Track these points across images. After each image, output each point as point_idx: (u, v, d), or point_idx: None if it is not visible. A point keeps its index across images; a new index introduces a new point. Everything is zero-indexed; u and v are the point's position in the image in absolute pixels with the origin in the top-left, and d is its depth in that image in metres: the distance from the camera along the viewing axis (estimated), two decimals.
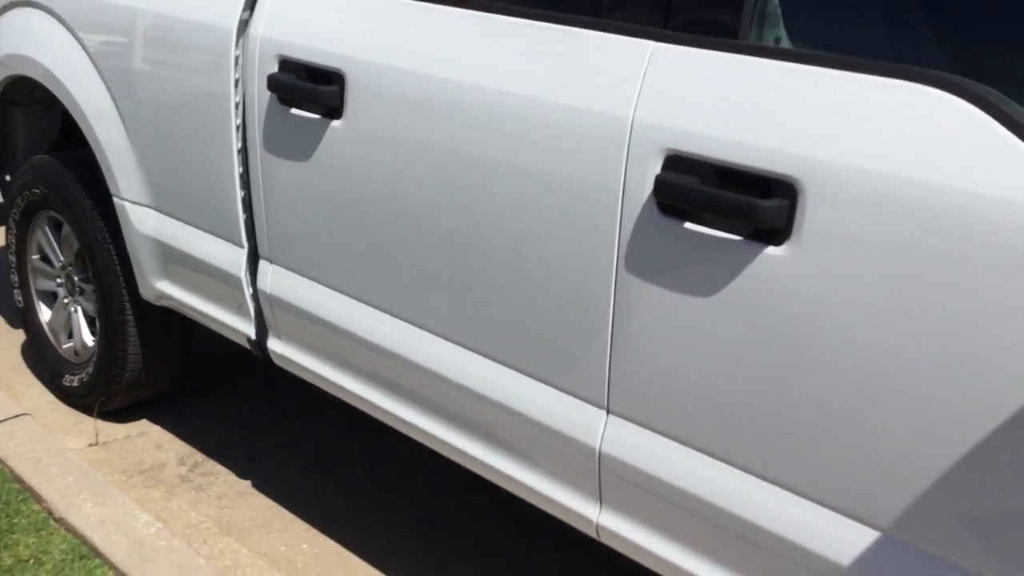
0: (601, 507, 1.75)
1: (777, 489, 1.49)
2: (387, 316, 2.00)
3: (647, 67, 1.54)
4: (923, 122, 1.28)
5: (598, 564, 2.36)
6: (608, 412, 1.68)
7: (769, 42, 1.51)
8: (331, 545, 2.47)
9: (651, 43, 1.54)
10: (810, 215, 1.36)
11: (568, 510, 1.80)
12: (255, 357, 2.44)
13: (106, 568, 2.23)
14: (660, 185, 1.50)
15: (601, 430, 1.70)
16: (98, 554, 2.24)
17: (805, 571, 1.48)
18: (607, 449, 1.69)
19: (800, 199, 1.37)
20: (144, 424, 2.95)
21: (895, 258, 1.29)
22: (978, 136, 1.23)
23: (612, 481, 1.71)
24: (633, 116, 1.53)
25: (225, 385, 3.18)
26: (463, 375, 1.88)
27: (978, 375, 1.25)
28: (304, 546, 2.46)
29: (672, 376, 1.57)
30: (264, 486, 2.69)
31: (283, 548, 2.45)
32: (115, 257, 2.69)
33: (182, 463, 2.77)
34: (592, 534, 1.80)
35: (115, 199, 2.57)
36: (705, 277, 1.49)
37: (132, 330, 2.76)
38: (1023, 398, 1.21)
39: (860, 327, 1.34)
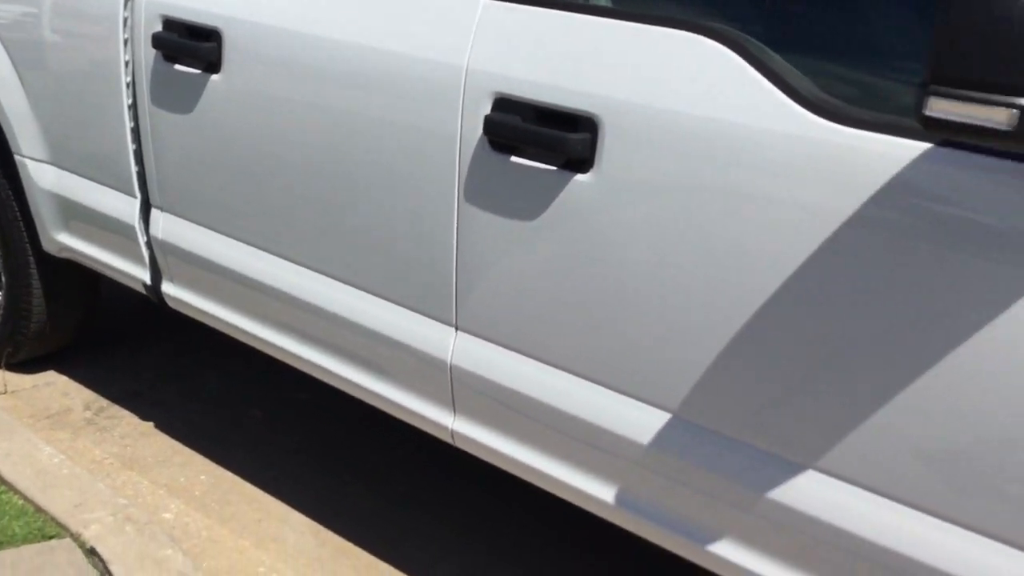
0: (455, 415, 1.98)
1: (593, 384, 1.73)
2: (266, 254, 2.20)
3: (478, 21, 1.76)
4: (692, 64, 1.52)
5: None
6: (457, 329, 1.91)
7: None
8: (228, 476, 2.66)
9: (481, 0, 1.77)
10: (608, 145, 1.60)
11: (427, 420, 2.02)
12: (160, 308, 2.61)
13: (11, 494, 2.40)
14: (489, 124, 1.72)
15: (451, 345, 1.92)
16: (3, 481, 2.40)
17: (610, 454, 1.72)
18: (457, 362, 1.91)
19: (600, 132, 1.60)
20: (51, 375, 3.10)
21: (675, 178, 1.54)
22: (733, 75, 1.48)
23: (463, 391, 1.93)
24: (467, 64, 1.75)
25: (131, 336, 3.34)
26: (333, 303, 2.09)
27: (742, 273, 1.49)
28: (202, 477, 2.65)
29: (508, 293, 1.80)
30: (166, 427, 2.87)
31: (182, 479, 2.64)
32: (18, 213, 2.83)
33: (87, 408, 2.93)
34: (448, 440, 2.02)
35: (16, 156, 2.72)
36: (530, 203, 1.72)
37: (36, 283, 2.90)
38: (770, 292, 1.46)
39: (652, 238, 1.58)
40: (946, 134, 1.15)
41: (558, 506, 2.07)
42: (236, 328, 2.36)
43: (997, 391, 1.30)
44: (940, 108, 1.11)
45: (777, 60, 1.48)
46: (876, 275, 1.37)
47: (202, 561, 2.33)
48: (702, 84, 1.51)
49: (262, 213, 2.17)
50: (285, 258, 2.17)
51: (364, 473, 2.70)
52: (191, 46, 2.16)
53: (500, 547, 2.45)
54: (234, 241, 2.26)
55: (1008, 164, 1.25)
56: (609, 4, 1.74)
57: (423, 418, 2.04)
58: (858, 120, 1.38)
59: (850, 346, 1.42)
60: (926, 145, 1.31)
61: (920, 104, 1.13)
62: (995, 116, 1.09)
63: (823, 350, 1.45)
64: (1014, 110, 1.08)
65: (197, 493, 2.59)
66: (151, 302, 2.63)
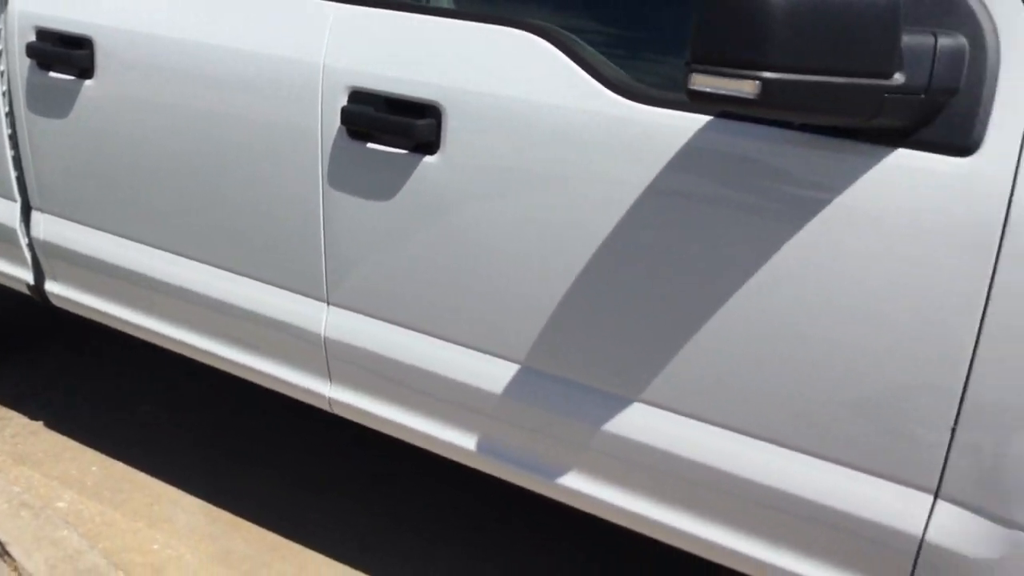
0: (331, 384, 2.16)
1: (452, 344, 1.94)
2: (147, 247, 2.33)
3: (332, 22, 1.95)
4: (517, 56, 1.75)
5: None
6: (328, 304, 2.09)
7: (423, 2, 1.96)
8: (120, 466, 2.78)
9: (333, 4, 1.96)
10: (451, 129, 1.81)
11: (306, 390, 2.20)
12: (45, 307, 2.71)
13: None
14: (346, 115, 1.91)
15: (324, 319, 2.10)
16: None
17: (470, 405, 1.93)
18: (330, 334, 2.10)
19: (444, 118, 1.81)
20: None
21: (506, 155, 1.76)
22: (550, 64, 1.71)
23: (337, 360, 2.12)
24: (324, 62, 1.94)
25: (17, 338, 3.40)
26: (213, 289, 2.24)
27: (567, 235, 1.72)
28: (94, 468, 2.76)
29: (372, 267, 1.99)
30: (56, 425, 2.96)
31: (74, 472, 2.74)
32: None
33: None
34: (326, 408, 2.20)
35: None
36: (386, 184, 1.91)
37: None
38: (591, 251, 1.69)
39: (491, 210, 1.79)
40: (708, 104, 1.39)
41: (452, 474, 2.28)
42: (121, 321, 2.49)
43: (780, 324, 1.56)
44: (701, 82, 1.35)
45: (588, 50, 1.71)
46: (677, 230, 1.62)
47: (98, 542, 2.44)
48: (526, 73, 1.73)
49: (141, 209, 2.31)
50: (165, 250, 2.31)
51: (251, 457, 2.86)
52: (65, 54, 2.29)
53: (396, 513, 2.64)
54: (115, 237, 2.39)
55: (769, 130, 1.51)
56: (448, 5, 1.96)
57: (302, 389, 2.21)
58: (655, 98, 1.62)
59: (662, 294, 1.66)
60: (707, 117, 1.57)
61: (686, 80, 1.37)
62: (744, 87, 1.33)
63: (641, 299, 1.69)
64: (758, 82, 1.33)
65: (89, 483, 2.70)
66: (36, 303, 2.73)
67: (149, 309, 2.42)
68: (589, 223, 1.70)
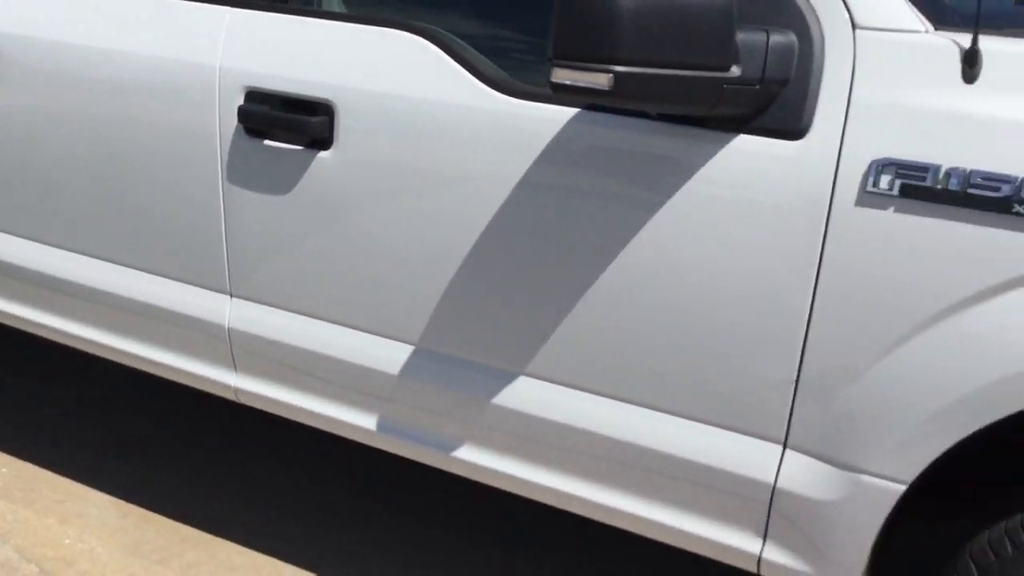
0: (237, 374, 2.24)
1: (350, 330, 2.04)
2: (55, 249, 2.39)
3: (226, 27, 2.05)
4: (402, 55, 1.88)
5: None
6: (231, 296, 2.18)
7: (315, 6, 2.07)
8: (30, 467, 2.81)
9: (227, 8, 2.06)
10: (343, 126, 1.93)
11: (212, 382, 2.28)
12: None
13: None
14: (243, 114, 2.02)
15: (227, 311, 2.19)
16: None
17: (369, 386, 2.04)
18: (233, 325, 2.19)
19: (336, 115, 1.93)
20: None
21: (393, 148, 1.88)
22: (433, 63, 1.84)
23: (241, 351, 2.21)
24: (220, 64, 2.04)
25: None
26: (119, 287, 2.31)
27: (450, 223, 1.85)
28: (3, 470, 2.79)
29: (272, 259, 2.09)
30: None
31: None
32: None
33: None
34: (233, 398, 2.29)
35: None
36: (283, 179, 2.02)
37: None
38: (474, 237, 1.83)
39: (380, 201, 1.91)
40: (569, 96, 1.54)
41: (358, 459, 2.37)
42: (30, 323, 2.53)
43: (644, 297, 1.71)
44: (561, 76, 1.50)
45: (469, 50, 1.85)
46: (552, 215, 1.76)
47: (9, 539, 2.48)
48: (411, 72, 1.86)
49: (49, 212, 2.37)
50: (72, 251, 2.37)
51: (160, 453, 2.92)
52: None
53: (304, 501, 2.73)
54: (21, 239, 2.44)
55: (630, 120, 1.67)
56: (338, 9, 2.08)
57: (209, 381, 2.29)
58: (530, 93, 1.77)
59: (538, 275, 1.80)
60: (575, 110, 1.71)
61: (548, 74, 1.51)
62: (598, 80, 1.48)
63: (520, 281, 1.82)
64: (610, 75, 1.47)
65: (0, 484, 2.73)
66: None
67: (59, 310, 2.47)
68: (472, 212, 1.83)
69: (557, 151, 1.73)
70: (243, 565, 2.46)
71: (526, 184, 1.77)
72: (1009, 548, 1.52)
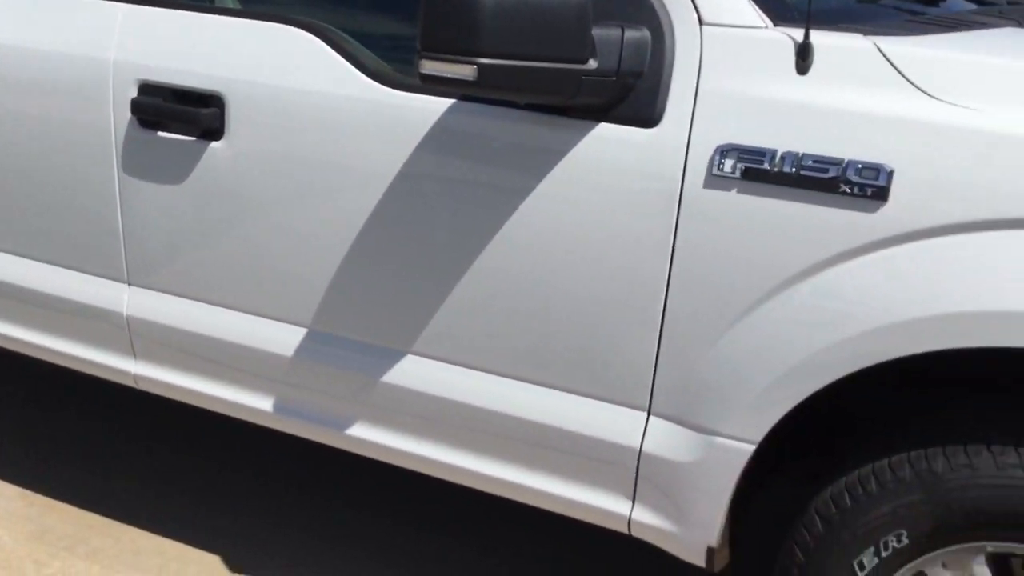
0: (136, 361, 2.30)
1: (245, 314, 2.11)
2: None
3: (120, 22, 2.11)
4: (288, 49, 1.96)
5: None
6: (129, 284, 2.23)
7: (206, 1, 2.14)
8: None
9: (121, 3, 2.12)
10: (233, 117, 2.00)
11: (112, 370, 2.33)
12: None
13: None
14: (136, 106, 2.08)
15: (126, 299, 2.24)
16: None
17: (267, 372, 2.12)
18: (131, 312, 2.24)
19: (226, 107, 2.00)
20: None
21: (280, 139, 1.96)
22: (318, 56, 1.93)
23: (140, 338, 2.26)
24: (113, 58, 2.10)
25: None
26: (18, 278, 2.35)
27: (335, 208, 1.94)
28: None
29: (167, 247, 2.15)
30: None
31: None
32: None
33: None
34: (132, 384, 2.34)
35: None
36: (177, 170, 2.09)
37: None
38: (359, 223, 1.91)
39: (269, 188, 1.99)
40: (437, 86, 1.64)
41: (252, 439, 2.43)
42: None
43: (516, 275, 1.81)
44: (429, 67, 1.60)
45: (352, 43, 1.94)
46: (431, 200, 1.86)
47: None
48: (297, 65, 1.95)
49: None
50: None
51: (64, 445, 2.96)
52: None
53: (186, 492, 2.78)
54: None
55: (500, 109, 1.77)
56: (229, 5, 2.15)
57: (109, 368, 2.34)
58: (409, 85, 1.86)
59: (418, 258, 1.90)
60: (451, 100, 1.81)
61: (417, 65, 1.61)
62: (464, 71, 1.58)
63: (403, 264, 1.92)
64: (474, 66, 1.58)
65: None
66: None
67: None
68: (356, 199, 1.92)
69: (434, 139, 1.83)
70: (148, 549, 2.52)
71: (407, 171, 1.87)
72: (848, 501, 1.66)
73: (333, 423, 2.09)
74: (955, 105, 1.51)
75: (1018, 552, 1.58)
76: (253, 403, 2.18)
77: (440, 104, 1.83)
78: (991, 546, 1.58)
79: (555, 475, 1.90)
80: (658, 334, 1.73)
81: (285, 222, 2.00)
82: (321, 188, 1.95)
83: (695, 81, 1.65)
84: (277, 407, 2.15)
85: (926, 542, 1.60)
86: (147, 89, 2.07)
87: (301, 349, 2.08)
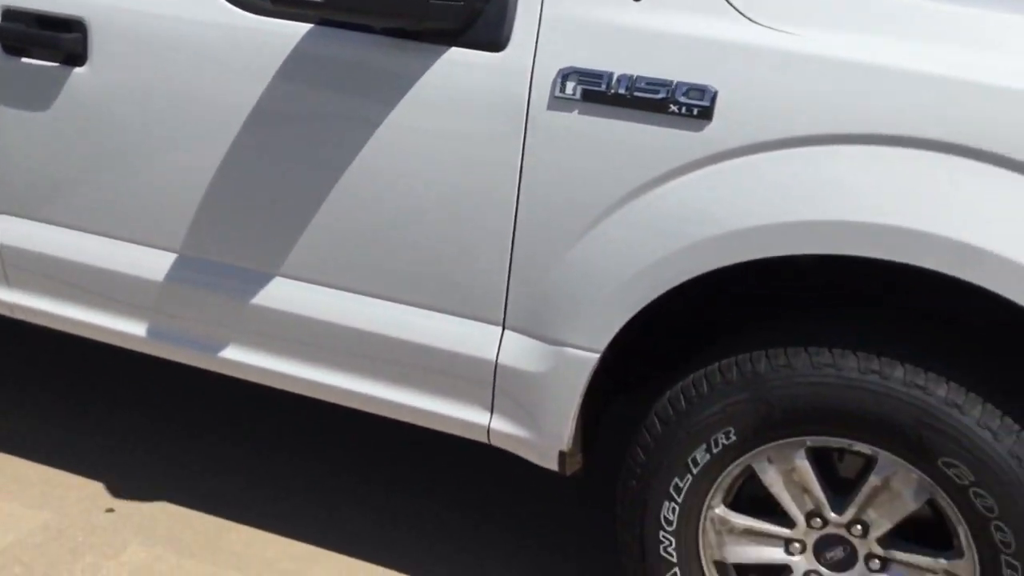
0: (9, 289, 2.31)
1: (114, 240, 2.14)
2: None
3: None
4: None
5: None
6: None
7: None
8: None
9: None
10: (96, 42, 2.02)
11: None
12: None
13: None
14: (0, 32, 2.07)
15: None
16: None
17: (133, 294, 2.15)
18: (2, 241, 2.24)
19: (89, 32, 2.02)
20: None
21: (146, 64, 1.99)
22: None
23: (12, 267, 2.27)
24: None
25: None
26: None
27: (206, 133, 1.98)
28: None
29: (36, 174, 2.16)
30: None
31: None
32: None
33: None
34: (8, 313, 2.35)
35: None
36: (42, 95, 2.10)
37: None
38: (224, 150, 1.96)
39: (135, 113, 2.02)
40: (286, 8, 1.70)
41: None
42: None
43: (376, 196, 1.88)
44: None
45: None
46: (291, 124, 1.91)
47: None
48: None
49: None
50: None
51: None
52: None
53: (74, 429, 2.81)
54: None
55: (358, 35, 1.83)
56: None
57: None
58: (270, 11, 1.90)
59: (285, 182, 1.95)
60: (309, 25, 1.86)
61: None
62: None
63: (270, 188, 1.97)
64: None
65: None
66: None
67: None
68: (220, 124, 1.96)
69: (293, 64, 1.88)
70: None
71: (267, 96, 1.91)
72: (683, 403, 1.79)
73: (204, 346, 2.14)
74: (774, 30, 1.62)
75: (834, 445, 1.73)
76: (126, 328, 2.21)
77: (299, 28, 1.87)
78: (810, 440, 1.73)
79: (418, 390, 1.99)
80: (509, 251, 1.82)
81: (150, 147, 2.03)
82: (184, 113, 1.98)
83: (539, 6, 1.73)
84: (150, 332, 2.19)
85: (752, 438, 1.74)
86: (10, 15, 2.07)
87: (171, 274, 2.12)
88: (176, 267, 2.11)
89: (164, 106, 1.99)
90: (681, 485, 1.81)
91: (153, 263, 2.12)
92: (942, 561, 1.70)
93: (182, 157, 2.01)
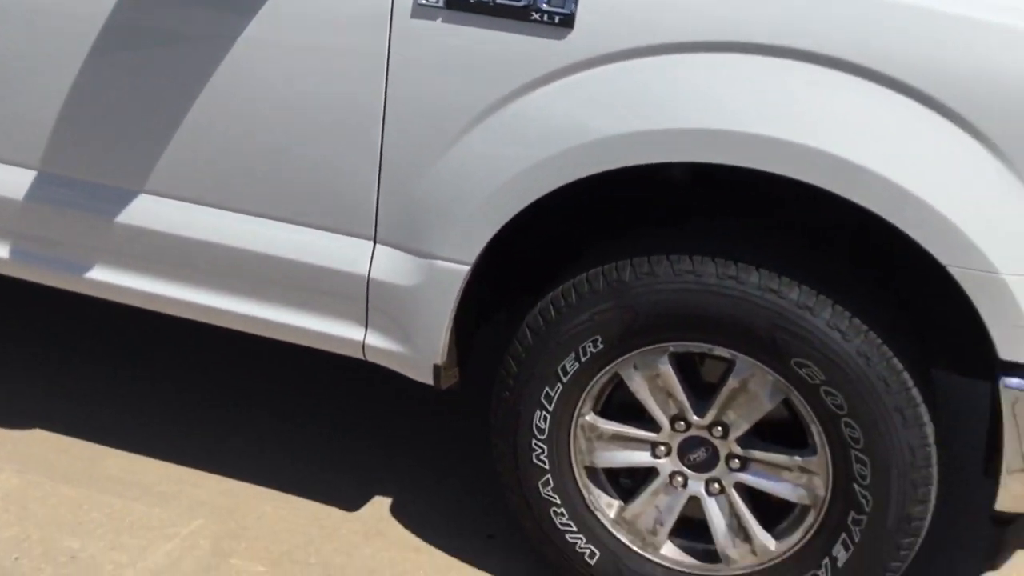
0: None
1: None
2: None
3: None
4: None
5: None
6: None
7: None
8: None
9: None
10: None
11: None
12: None
13: None
14: None
15: None
16: None
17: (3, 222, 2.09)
18: None
19: None
20: None
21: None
22: None
23: None
24: None
25: None
26: None
27: (54, 55, 1.91)
28: None
29: None
30: None
31: None
32: None
33: None
34: None
35: None
36: None
37: None
38: (77, 66, 1.89)
39: None
40: None
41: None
42: None
43: (240, 111, 1.85)
44: None
45: None
46: (154, 33, 1.85)
47: None
48: None
49: None
50: None
51: None
52: None
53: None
54: None
55: None
56: None
57: None
58: None
59: (150, 94, 1.90)
60: None
61: None
62: None
63: (133, 101, 1.91)
64: None
65: None
66: None
67: None
68: (80, 35, 1.89)
69: None
70: None
71: (126, 6, 1.84)
72: (553, 313, 1.82)
73: (72, 268, 2.09)
74: None
75: (695, 350, 1.79)
76: None
77: None
78: (673, 346, 1.78)
79: (292, 307, 1.97)
80: (378, 163, 1.81)
81: (5, 63, 1.95)
82: (41, 25, 1.91)
83: None
84: (14, 253, 2.13)
85: (618, 345, 1.78)
86: None
87: (36, 193, 2.05)
88: (40, 185, 2.04)
89: (19, 22, 1.92)
90: (552, 394, 1.84)
91: (13, 180, 2.04)
92: (797, 459, 1.79)
93: (41, 72, 1.94)
